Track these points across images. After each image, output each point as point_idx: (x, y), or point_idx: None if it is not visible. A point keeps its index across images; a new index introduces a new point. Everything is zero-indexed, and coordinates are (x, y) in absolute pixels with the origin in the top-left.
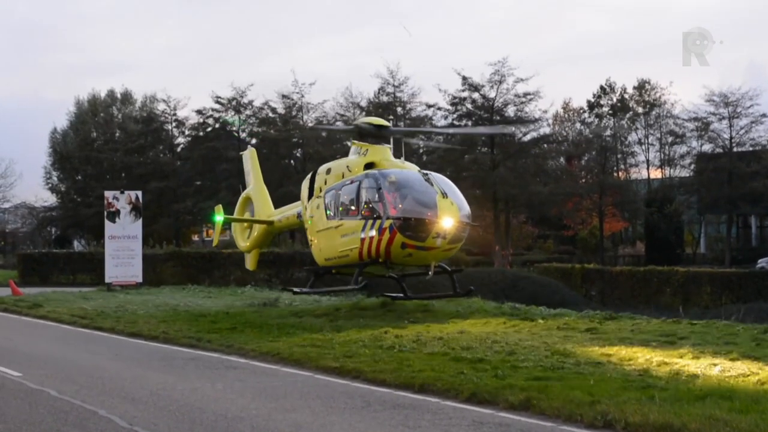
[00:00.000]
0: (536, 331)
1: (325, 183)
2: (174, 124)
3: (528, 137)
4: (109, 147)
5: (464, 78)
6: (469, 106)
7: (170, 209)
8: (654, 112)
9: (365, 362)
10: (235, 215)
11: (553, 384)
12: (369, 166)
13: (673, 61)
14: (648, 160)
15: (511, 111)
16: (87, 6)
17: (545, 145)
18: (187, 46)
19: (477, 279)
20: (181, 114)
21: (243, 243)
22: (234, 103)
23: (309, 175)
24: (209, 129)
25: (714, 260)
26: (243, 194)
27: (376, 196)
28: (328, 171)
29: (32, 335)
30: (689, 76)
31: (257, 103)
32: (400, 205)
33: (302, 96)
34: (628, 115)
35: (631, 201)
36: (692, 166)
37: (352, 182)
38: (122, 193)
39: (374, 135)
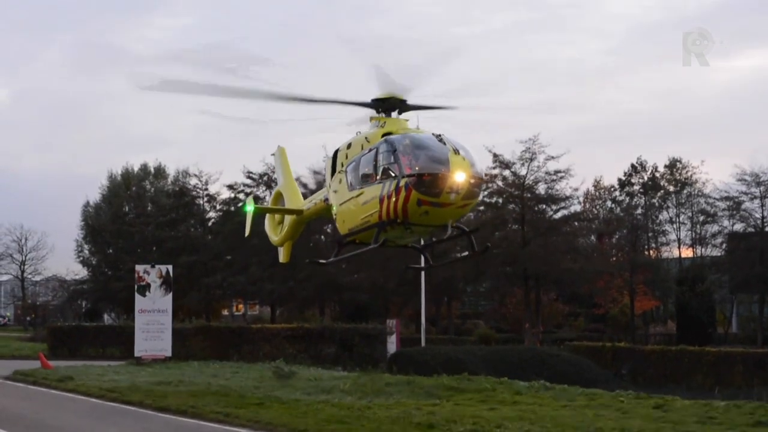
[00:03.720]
0: (573, 410)
1: (346, 158)
2: (205, 199)
3: (559, 215)
4: (141, 221)
5: (495, 155)
6: (500, 183)
7: (200, 283)
8: (685, 191)
9: None
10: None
11: None
12: (386, 135)
13: (704, 140)
14: (679, 239)
15: (542, 188)
16: (121, 83)
17: (576, 223)
18: (218, 121)
19: (507, 356)
20: (212, 189)
21: (275, 237)
22: (265, 178)
23: (331, 155)
24: (240, 204)
25: (746, 340)
26: (275, 190)
27: (392, 158)
28: (349, 146)
29: (61, 408)
30: (720, 155)
31: None
32: (415, 165)
33: None
34: (659, 194)
35: (663, 279)
36: (724, 245)
37: (370, 151)
38: (153, 267)
39: (387, 109)
